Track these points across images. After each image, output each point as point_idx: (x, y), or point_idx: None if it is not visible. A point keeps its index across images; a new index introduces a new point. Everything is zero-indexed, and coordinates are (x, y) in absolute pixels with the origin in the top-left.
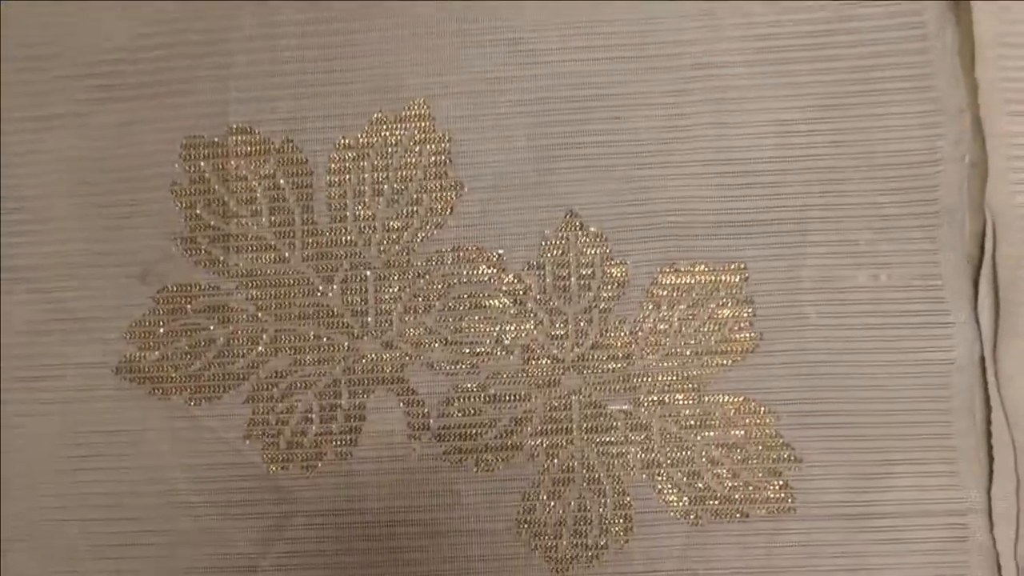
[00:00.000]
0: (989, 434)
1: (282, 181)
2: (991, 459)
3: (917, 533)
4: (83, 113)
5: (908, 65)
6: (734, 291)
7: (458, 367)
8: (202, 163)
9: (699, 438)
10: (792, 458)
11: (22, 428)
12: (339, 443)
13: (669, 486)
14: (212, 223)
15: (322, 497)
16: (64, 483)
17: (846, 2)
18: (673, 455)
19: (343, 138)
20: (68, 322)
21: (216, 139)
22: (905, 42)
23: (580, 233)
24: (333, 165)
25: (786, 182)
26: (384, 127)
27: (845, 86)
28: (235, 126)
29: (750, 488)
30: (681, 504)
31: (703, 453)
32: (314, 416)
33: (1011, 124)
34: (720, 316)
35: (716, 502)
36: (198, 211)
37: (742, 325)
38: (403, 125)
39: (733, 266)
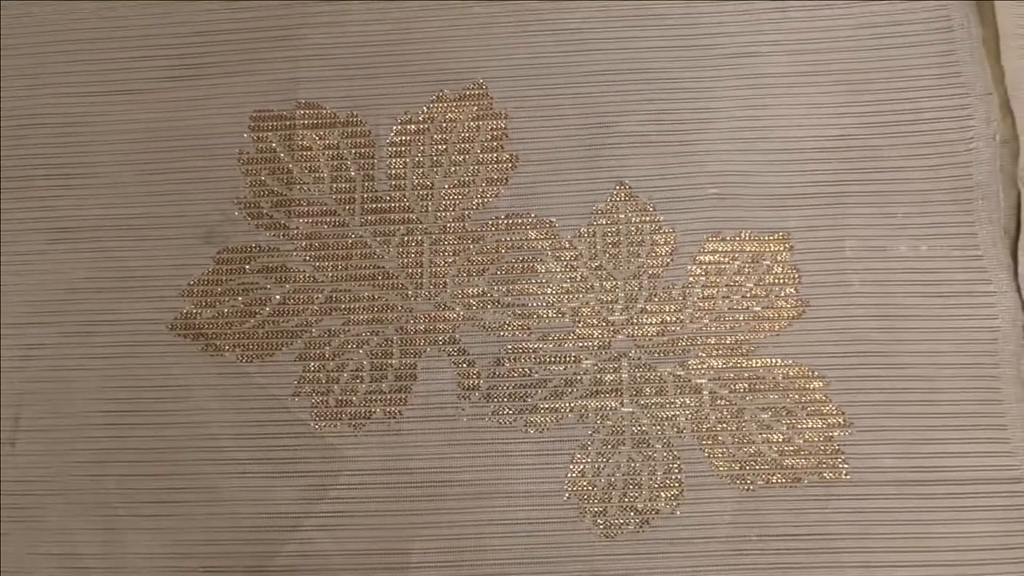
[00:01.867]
0: None
1: (345, 151)
2: None
3: (972, 500)
4: (149, 90)
5: (936, 55)
6: (779, 259)
7: (509, 329)
8: (269, 134)
9: (748, 400)
10: (843, 423)
11: (70, 382)
12: (389, 402)
13: (719, 451)
14: (276, 189)
15: (369, 456)
16: (105, 436)
17: (876, 1)
18: (723, 419)
19: (405, 114)
20: (126, 280)
21: (284, 113)
22: (933, 34)
23: (630, 203)
24: (395, 139)
25: (823, 159)
26: (445, 105)
27: (877, 74)
28: (303, 101)
29: (801, 453)
30: (731, 469)
31: (753, 417)
32: (365, 374)
33: None
34: (766, 282)
35: (767, 467)
36: (263, 178)
37: (788, 292)
38: (463, 103)
39: (778, 235)
